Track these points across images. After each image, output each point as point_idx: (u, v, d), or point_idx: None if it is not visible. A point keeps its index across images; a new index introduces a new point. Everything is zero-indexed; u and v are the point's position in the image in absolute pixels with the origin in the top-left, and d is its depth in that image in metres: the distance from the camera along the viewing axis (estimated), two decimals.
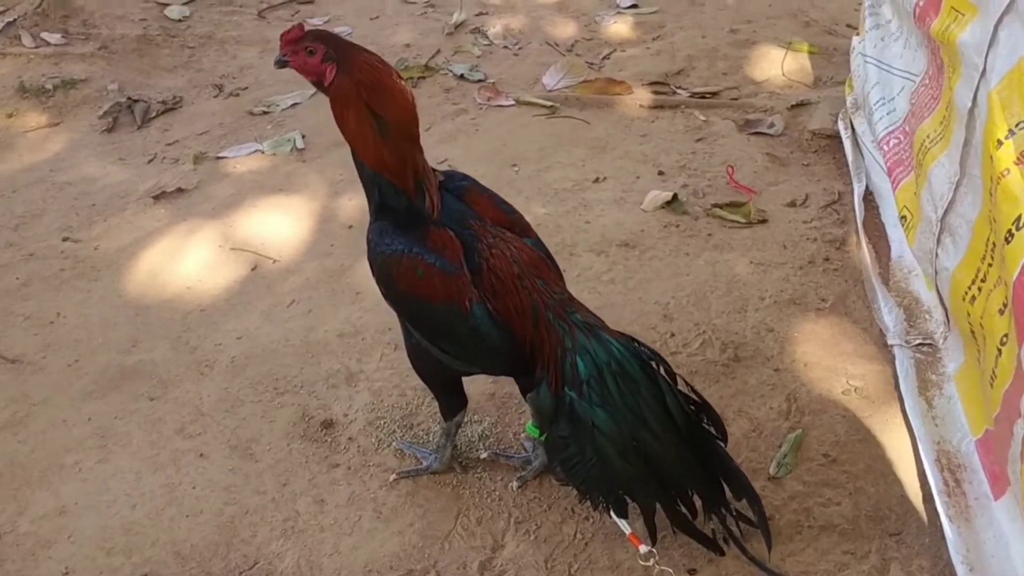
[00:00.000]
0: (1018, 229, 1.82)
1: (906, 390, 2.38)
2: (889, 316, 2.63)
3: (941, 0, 2.53)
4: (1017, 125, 1.95)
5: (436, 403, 2.21)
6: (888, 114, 2.94)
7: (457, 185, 2.00)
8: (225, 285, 2.88)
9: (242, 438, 2.34)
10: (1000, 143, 1.97)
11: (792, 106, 3.76)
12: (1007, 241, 1.84)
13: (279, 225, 3.15)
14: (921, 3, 2.71)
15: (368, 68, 1.83)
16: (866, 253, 2.89)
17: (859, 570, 1.98)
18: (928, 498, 2.11)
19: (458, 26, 4.55)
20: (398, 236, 1.88)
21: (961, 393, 2.33)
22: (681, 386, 1.92)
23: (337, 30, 4.54)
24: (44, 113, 3.81)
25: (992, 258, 2.09)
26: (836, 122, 3.56)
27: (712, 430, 1.93)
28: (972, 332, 2.17)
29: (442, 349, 1.94)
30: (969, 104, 2.22)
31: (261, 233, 3.11)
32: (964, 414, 2.27)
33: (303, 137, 3.64)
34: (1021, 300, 1.77)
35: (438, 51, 4.33)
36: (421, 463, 2.22)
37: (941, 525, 2.01)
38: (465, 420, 2.33)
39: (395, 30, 4.53)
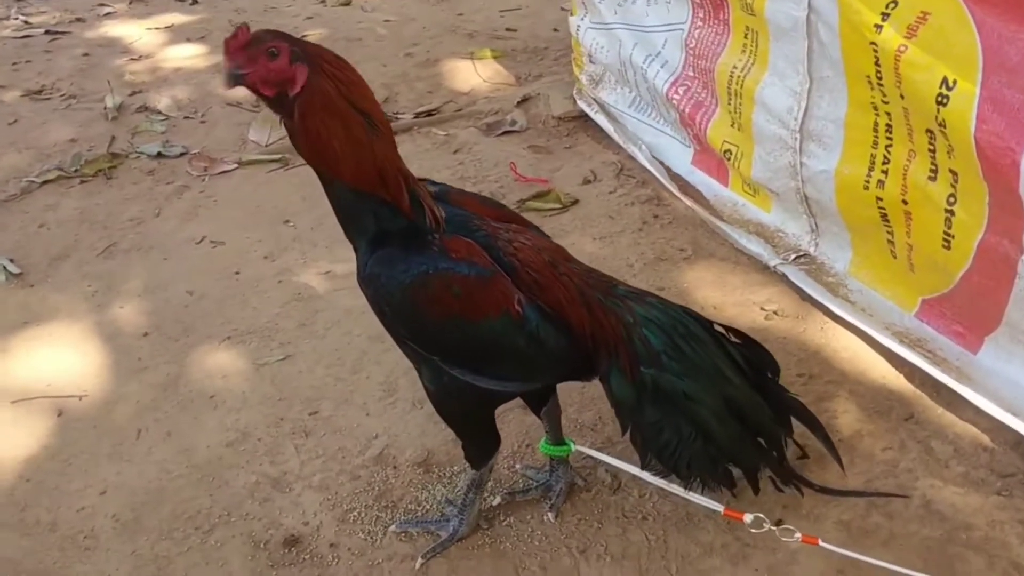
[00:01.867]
0: (950, 89, 1.92)
1: (819, 296, 2.45)
2: (751, 243, 2.69)
3: None
4: (887, 7, 2.06)
5: (463, 452, 1.83)
6: (662, 67, 3.02)
7: (438, 191, 1.69)
8: (36, 444, 2.20)
9: None
10: (879, 27, 2.07)
11: (519, 102, 3.76)
12: (941, 104, 1.93)
13: (55, 359, 2.49)
14: None
15: (338, 63, 1.47)
16: (687, 201, 2.95)
17: (910, 460, 1.97)
18: (910, 376, 2.17)
19: (119, 109, 3.97)
20: (414, 257, 1.53)
21: (869, 282, 2.44)
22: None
23: None
24: None
25: (890, 138, 2.20)
26: (575, 103, 3.62)
27: (760, 367, 1.81)
28: (883, 215, 2.27)
29: (491, 375, 1.62)
30: (801, 14, 2.33)
31: (40, 375, 2.43)
32: (886, 298, 2.37)
33: (12, 261, 2.93)
34: (987, 149, 1.86)
35: (113, 138, 3.74)
36: (441, 535, 1.84)
37: (944, 392, 2.08)
38: (450, 474, 2.00)
39: (46, 129, 3.84)
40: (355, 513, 1.94)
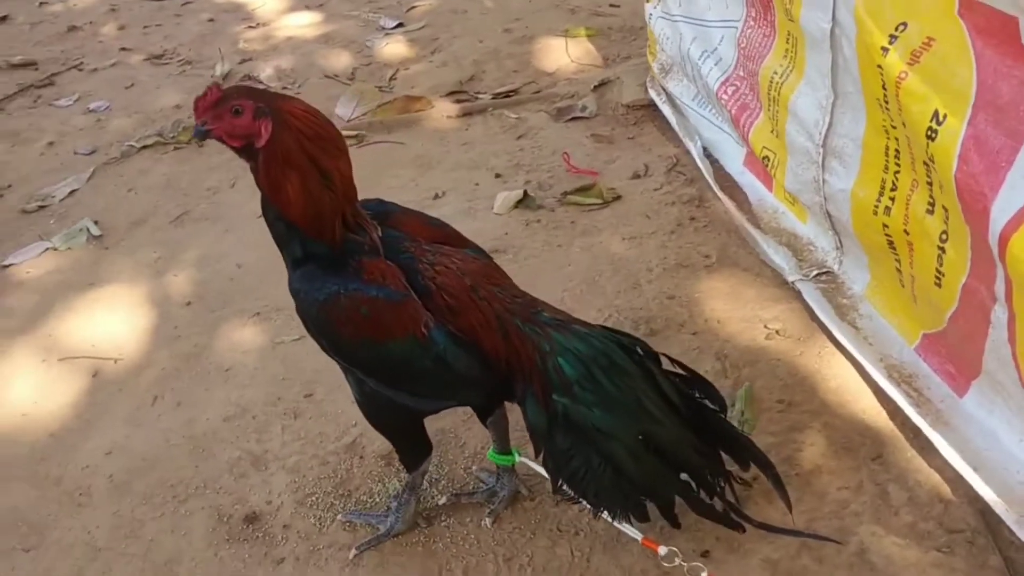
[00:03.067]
0: (939, 124, 1.82)
1: (826, 319, 2.37)
2: (777, 256, 2.62)
3: None
4: (896, 29, 1.95)
5: (397, 456, 1.95)
6: (716, 64, 2.95)
7: (382, 211, 1.77)
8: (68, 401, 2.45)
9: (158, 562, 1.96)
10: (885, 50, 1.97)
11: (595, 87, 3.74)
12: (930, 139, 1.84)
13: (106, 322, 2.74)
14: None
15: (305, 117, 1.57)
16: (728, 204, 2.89)
17: (861, 502, 1.91)
18: (893, 414, 2.09)
19: (225, 77, 4.22)
20: (329, 277, 1.62)
21: (880, 308, 2.34)
22: (666, 364, 1.77)
23: (92, 106, 4.10)
24: None
25: (898, 164, 2.10)
26: (647, 91, 3.57)
27: (708, 403, 1.80)
28: (890, 243, 2.18)
29: (407, 392, 1.70)
30: (827, 26, 2.24)
31: (89, 335, 2.69)
32: (892, 327, 2.28)
33: (96, 223, 3.21)
34: (964, 192, 1.76)
35: None
36: (379, 529, 1.95)
37: (922, 436, 1.99)
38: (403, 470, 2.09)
39: (158, 94, 4.14)
40: (314, 498, 2.07)
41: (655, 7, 3.40)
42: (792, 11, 2.41)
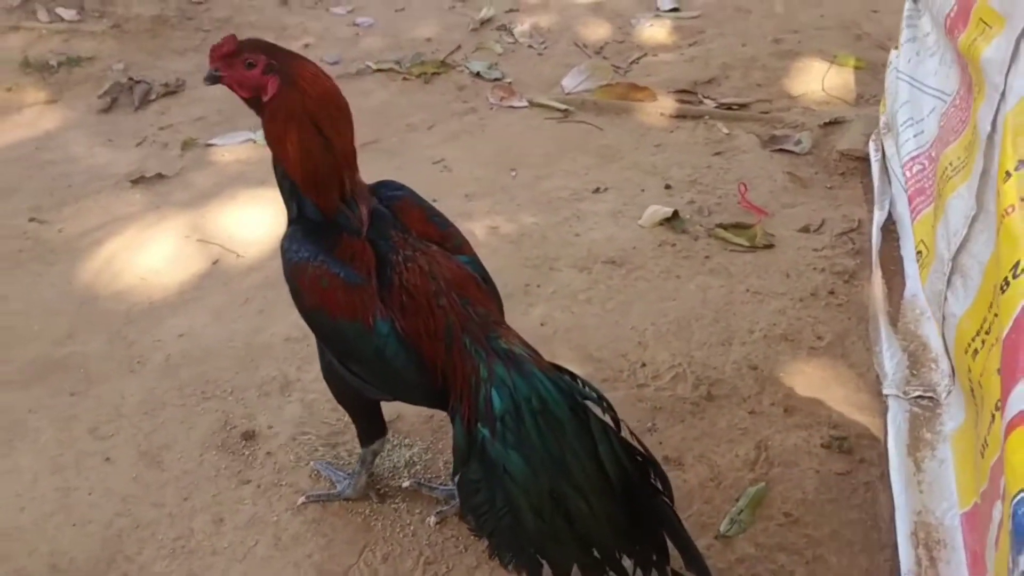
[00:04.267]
0: (1015, 277, 1.55)
1: (894, 448, 2.09)
2: (891, 361, 2.33)
3: (971, 9, 2.24)
4: None
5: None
6: (915, 136, 2.64)
7: (390, 195, 1.81)
8: (181, 278, 2.72)
9: (154, 444, 2.16)
10: (1008, 175, 1.69)
11: (825, 124, 3.46)
12: (1002, 291, 1.57)
13: (251, 219, 2.98)
14: (952, 13, 2.42)
15: (315, 80, 1.64)
16: (877, 288, 2.60)
17: None
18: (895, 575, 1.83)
19: (485, 22, 4.35)
20: (306, 243, 1.69)
21: (956, 457, 2.03)
22: (625, 435, 1.67)
23: (359, 20, 4.39)
24: (44, 89, 3.72)
25: (998, 309, 1.80)
26: (867, 143, 3.26)
27: (658, 485, 1.68)
28: (972, 390, 1.88)
29: (351, 371, 1.74)
30: (989, 130, 1.94)
31: (231, 226, 2.95)
32: (955, 482, 1.98)
33: None
34: (1009, 359, 1.50)
35: (459, 47, 4.14)
36: (334, 487, 2.02)
37: None
38: (393, 442, 2.13)
39: (418, 23, 4.35)
40: (306, 437, 2.17)
41: (897, 56, 3.07)
42: (976, 103, 2.11)
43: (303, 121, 1.63)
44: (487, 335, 1.67)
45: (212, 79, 1.67)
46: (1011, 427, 1.40)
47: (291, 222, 1.75)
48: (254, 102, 1.67)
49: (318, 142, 1.65)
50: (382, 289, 1.66)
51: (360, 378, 1.75)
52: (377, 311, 1.65)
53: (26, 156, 3.32)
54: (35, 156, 3.33)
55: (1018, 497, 1.32)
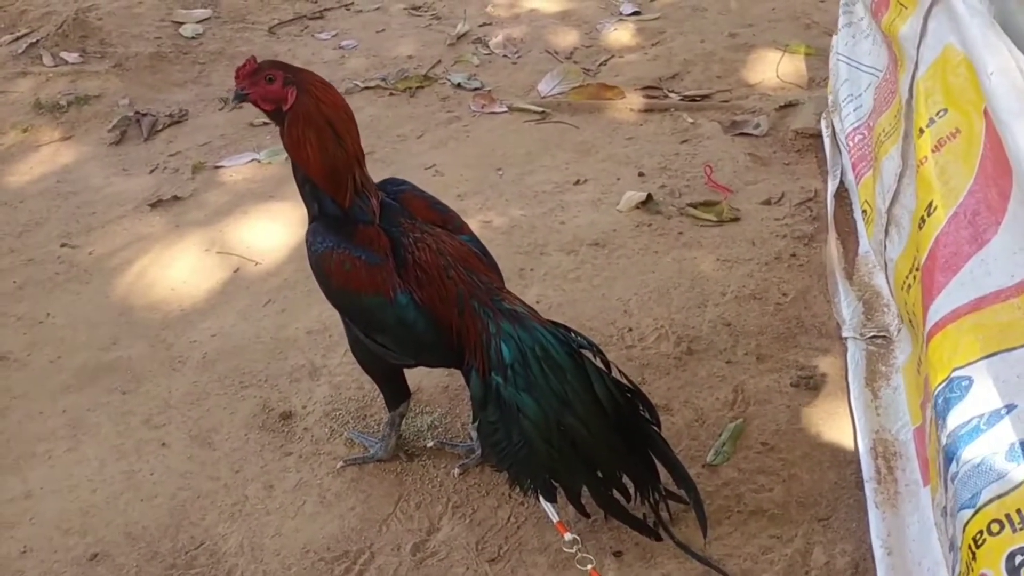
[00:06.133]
0: (929, 215, 1.85)
1: (853, 381, 2.40)
2: (847, 309, 2.64)
3: None
4: (937, 114, 1.98)
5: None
6: (855, 110, 2.95)
7: (395, 189, 2.10)
8: (207, 287, 3.00)
9: (203, 428, 2.44)
10: (921, 131, 2.00)
11: (780, 107, 3.77)
12: (920, 227, 1.87)
13: (265, 230, 3.26)
14: None
15: (323, 87, 1.93)
16: (833, 248, 2.90)
17: (782, 553, 2.00)
18: (860, 485, 2.12)
19: (461, 37, 4.65)
20: (329, 235, 1.97)
21: (906, 383, 2.33)
22: (616, 375, 1.96)
23: (344, 43, 4.68)
24: (57, 128, 3.99)
25: (918, 243, 2.10)
26: (819, 121, 3.57)
27: (647, 416, 1.98)
28: (909, 320, 2.19)
29: (376, 341, 2.02)
30: (907, 95, 2.25)
31: (247, 238, 3.23)
32: (907, 404, 2.28)
33: None
34: (927, 284, 1.80)
35: (438, 61, 4.43)
36: (368, 451, 2.30)
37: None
38: (415, 410, 2.41)
39: (399, 42, 4.65)
40: (337, 413, 2.45)
41: (836, 41, 3.38)
42: (899, 75, 2.42)
43: (320, 123, 1.92)
44: (492, 298, 1.97)
45: (239, 97, 1.95)
46: (930, 335, 1.70)
47: (312, 219, 2.04)
48: (275, 113, 1.95)
49: (333, 141, 1.93)
50: (399, 267, 1.95)
51: (385, 347, 2.03)
52: (397, 285, 1.94)
53: (49, 189, 3.60)
54: (57, 188, 3.60)
55: (938, 388, 1.61)
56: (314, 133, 1.93)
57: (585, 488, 1.96)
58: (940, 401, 1.59)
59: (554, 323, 1.99)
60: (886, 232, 2.39)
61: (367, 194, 2.01)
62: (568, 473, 1.93)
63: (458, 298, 1.95)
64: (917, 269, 2.12)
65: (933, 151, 1.92)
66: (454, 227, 2.08)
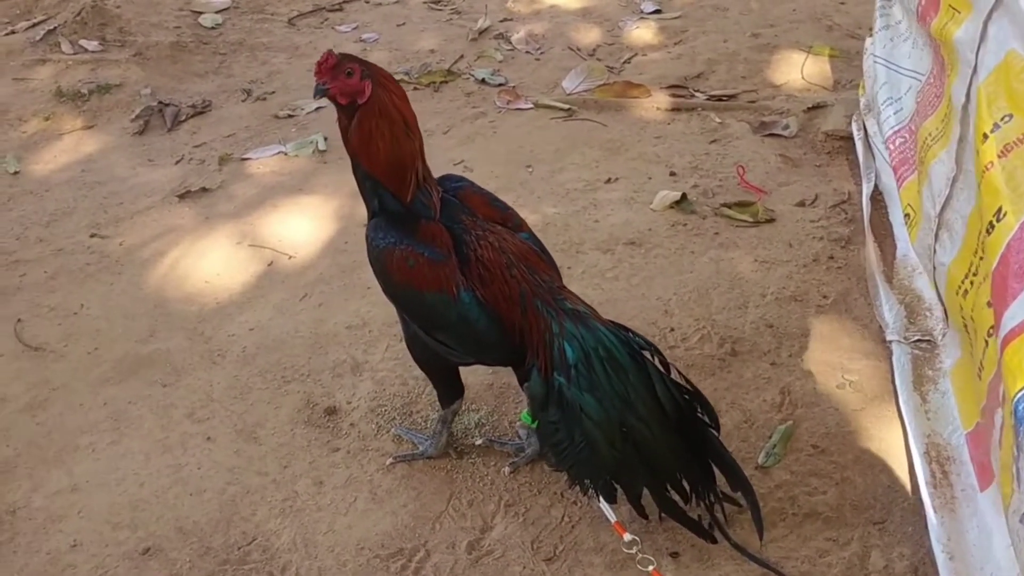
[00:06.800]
0: (998, 221, 1.85)
1: (901, 385, 2.40)
2: (890, 313, 2.64)
3: None
4: (1002, 119, 1.97)
5: (435, 392, 2.27)
6: (895, 113, 2.96)
7: (453, 186, 2.09)
8: (242, 280, 2.98)
9: (248, 423, 2.42)
10: (985, 137, 2.00)
11: (808, 108, 3.77)
12: (988, 233, 1.87)
13: (297, 223, 3.24)
14: (923, 2, 2.73)
15: (394, 82, 1.93)
16: (871, 251, 2.91)
17: (840, 556, 2.00)
18: (915, 489, 2.13)
19: (482, 32, 4.63)
20: (391, 231, 1.96)
21: (955, 388, 2.34)
22: (675, 376, 1.96)
23: (364, 36, 4.66)
24: (79, 117, 3.96)
25: (983, 251, 2.10)
26: (850, 123, 3.57)
27: (706, 419, 1.97)
28: (965, 326, 2.19)
29: (436, 339, 2.01)
30: (963, 100, 2.25)
31: (279, 231, 3.21)
32: (957, 408, 2.28)
33: (325, 139, 3.74)
34: (999, 289, 1.80)
35: (461, 56, 4.42)
36: (417, 448, 2.29)
37: (925, 515, 2.03)
38: (463, 408, 2.40)
39: (420, 36, 4.63)
40: (383, 408, 2.44)
41: (872, 42, 3.39)
42: (950, 79, 2.42)
43: (394, 116, 1.91)
44: (554, 298, 1.96)
45: (321, 92, 1.92)
46: (1006, 342, 1.70)
47: (372, 215, 2.02)
48: (348, 108, 1.93)
49: (404, 134, 1.93)
50: (461, 264, 1.94)
51: (444, 345, 2.02)
52: (460, 283, 1.92)
53: (75, 179, 3.56)
54: (83, 178, 3.57)
55: (1018, 395, 1.61)
56: (387, 126, 1.91)
57: (644, 489, 1.95)
58: (1021, 408, 1.59)
59: (615, 323, 1.98)
60: (936, 237, 2.39)
61: (428, 189, 1.99)
62: (629, 474, 1.93)
63: (521, 297, 1.94)
64: (975, 275, 2.13)
65: (999, 156, 1.92)
66: (514, 224, 2.07)
